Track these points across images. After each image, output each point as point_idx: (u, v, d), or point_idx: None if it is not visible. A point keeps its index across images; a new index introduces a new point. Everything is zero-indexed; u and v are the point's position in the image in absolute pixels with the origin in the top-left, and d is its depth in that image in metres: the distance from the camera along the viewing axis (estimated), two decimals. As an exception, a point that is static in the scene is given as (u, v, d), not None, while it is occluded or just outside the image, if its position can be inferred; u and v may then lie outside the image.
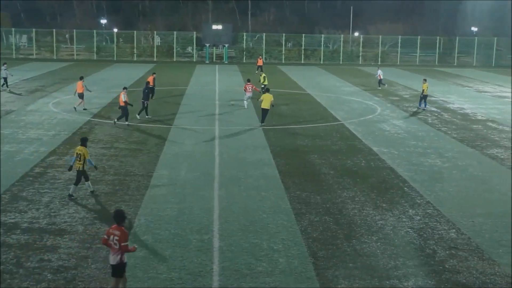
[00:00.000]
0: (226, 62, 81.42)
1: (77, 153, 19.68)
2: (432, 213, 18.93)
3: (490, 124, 35.56)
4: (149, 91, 35.43)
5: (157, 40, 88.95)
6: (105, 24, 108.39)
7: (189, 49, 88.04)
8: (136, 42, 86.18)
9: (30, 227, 16.83)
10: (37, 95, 43.83)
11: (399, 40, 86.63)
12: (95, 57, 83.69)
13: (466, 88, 55.91)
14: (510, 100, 47.11)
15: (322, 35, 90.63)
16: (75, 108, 36.50)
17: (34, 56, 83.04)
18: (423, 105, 40.97)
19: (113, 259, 12.33)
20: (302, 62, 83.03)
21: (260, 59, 67.53)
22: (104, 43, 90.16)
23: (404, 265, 14.83)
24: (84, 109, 36.68)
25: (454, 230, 17.45)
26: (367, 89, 52.48)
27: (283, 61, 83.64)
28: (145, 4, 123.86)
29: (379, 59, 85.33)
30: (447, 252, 15.83)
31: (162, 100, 42.23)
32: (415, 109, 40.38)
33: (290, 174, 23.14)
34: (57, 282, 13.43)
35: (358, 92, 50.11)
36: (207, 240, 16.14)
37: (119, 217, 12.40)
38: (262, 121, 32.70)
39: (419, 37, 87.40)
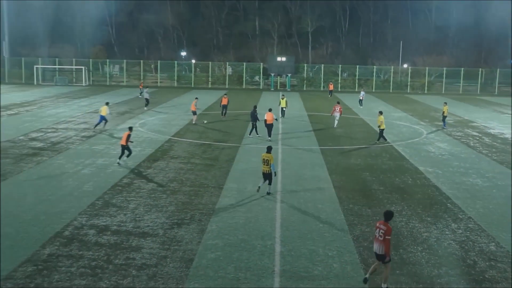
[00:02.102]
0: (289, 89, 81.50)
1: (264, 158, 21.15)
2: (473, 228, 18.43)
3: (527, 148, 34.40)
4: (256, 114, 36.18)
5: (229, 70, 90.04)
6: (184, 55, 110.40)
7: (257, 78, 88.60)
8: (210, 71, 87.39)
9: (119, 230, 17.23)
10: (126, 116, 44.92)
11: (444, 71, 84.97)
12: (175, 84, 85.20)
13: (506, 115, 54.22)
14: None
15: (374, 66, 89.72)
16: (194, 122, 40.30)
17: (124, 83, 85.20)
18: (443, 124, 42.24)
19: (377, 248, 13.38)
20: (356, 90, 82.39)
21: (331, 84, 70.71)
22: (183, 72, 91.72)
23: (446, 274, 14.47)
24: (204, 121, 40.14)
25: (493, 244, 16.94)
26: (414, 114, 51.60)
27: (339, 89, 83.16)
28: (219, 39, 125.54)
29: (426, 88, 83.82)
30: (487, 263, 15.37)
31: (233, 122, 42.61)
32: (444, 129, 40.36)
33: (344, 189, 22.95)
34: (140, 278, 13.69)
35: (405, 117, 49.32)
36: (269, 246, 16.16)
37: (389, 215, 13.48)
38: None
39: (462, 68, 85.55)
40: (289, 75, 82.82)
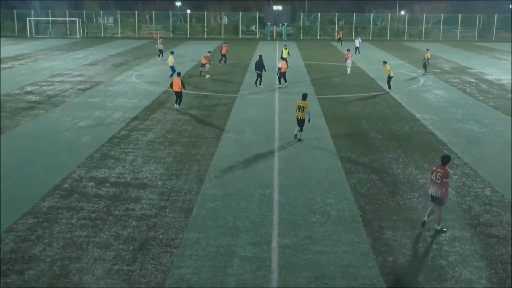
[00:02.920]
0: (286, 38, 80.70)
1: (298, 105, 21.65)
2: (469, 173, 18.52)
3: (524, 93, 34.32)
4: (263, 64, 35.87)
5: (224, 20, 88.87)
6: (179, 6, 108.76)
7: (253, 27, 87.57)
8: (206, 21, 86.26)
9: (117, 181, 17.28)
10: (122, 69, 44.56)
11: (442, 18, 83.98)
12: (171, 35, 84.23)
13: (503, 61, 53.88)
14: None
15: (371, 14, 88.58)
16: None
17: (119, 35, 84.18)
18: (426, 71, 42.01)
19: (434, 191, 13.71)
20: (353, 38, 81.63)
21: (341, 32, 71.99)
22: (178, 23, 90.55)
23: (442, 219, 14.59)
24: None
25: (489, 189, 17.06)
26: (411, 62, 51.26)
27: (336, 38, 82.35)
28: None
29: (423, 35, 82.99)
30: (482, 208, 15.51)
31: (229, 72, 42.32)
32: (424, 75, 40.98)
33: (342, 137, 22.96)
34: (140, 228, 13.81)
35: (403, 65, 49.00)
36: (268, 194, 16.26)
37: (446, 159, 13.87)
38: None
39: (460, 14, 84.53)
40: (286, 24, 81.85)
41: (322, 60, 51.04)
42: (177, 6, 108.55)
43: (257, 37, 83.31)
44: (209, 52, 43.30)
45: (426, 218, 14.05)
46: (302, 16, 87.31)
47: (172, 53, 38.47)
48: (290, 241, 13.20)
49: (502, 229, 14.03)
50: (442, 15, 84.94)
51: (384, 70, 34.26)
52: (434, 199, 13.82)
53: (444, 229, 13.86)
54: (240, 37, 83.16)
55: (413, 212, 15.09)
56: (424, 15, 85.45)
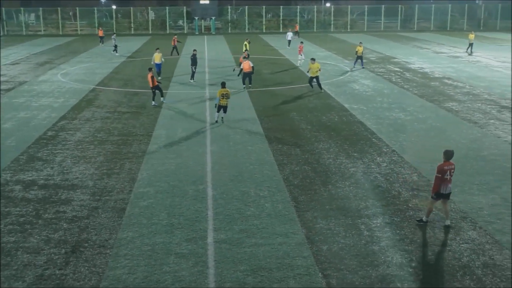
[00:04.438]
0: (214, 32, 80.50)
1: (222, 93, 23.45)
2: (397, 160, 19.08)
3: (446, 81, 35.59)
4: (196, 59, 35.15)
5: (151, 15, 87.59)
6: (104, 1, 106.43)
7: (180, 22, 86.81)
8: (133, 17, 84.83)
9: (46, 184, 16.79)
10: (46, 67, 43.21)
11: (366, 9, 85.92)
12: (96, 32, 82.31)
13: (425, 50, 55.71)
14: (463, 59, 47.16)
15: (298, 6, 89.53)
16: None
17: (42, 33, 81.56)
18: (358, 65, 41.26)
19: (447, 189, 13.50)
20: (281, 31, 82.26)
21: (297, 25, 72.25)
22: (104, 19, 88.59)
23: (373, 206, 15.00)
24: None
25: (416, 174, 17.62)
26: (338, 53, 52.20)
27: (264, 31, 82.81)
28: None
29: (348, 26, 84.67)
30: (410, 193, 16.01)
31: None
32: (354, 69, 40.38)
33: (273, 130, 23.15)
34: (72, 230, 13.47)
35: (330, 56, 49.85)
36: (201, 190, 16.20)
37: (452, 154, 13.58)
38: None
39: (383, 5, 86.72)
40: (213, 18, 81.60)
41: (251, 54, 51.19)
42: (101, 1, 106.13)
43: (185, 32, 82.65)
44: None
45: (426, 218, 13.88)
46: (229, 10, 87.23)
47: (157, 49, 36.75)
48: (226, 235, 13.21)
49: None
50: (366, 6, 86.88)
51: (312, 68, 31.66)
52: (445, 196, 13.60)
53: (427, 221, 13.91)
54: (168, 32, 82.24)
55: (345, 200, 15.40)
56: (349, 6, 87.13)
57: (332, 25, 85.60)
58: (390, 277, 11.34)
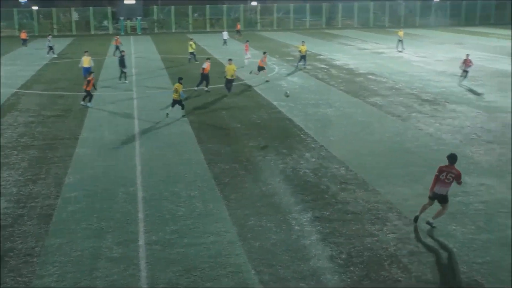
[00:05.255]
0: (140, 33, 79.37)
1: (175, 88, 24.84)
2: (325, 155, 19.43)
3: (370, 76, 36.54)
4: (124, 60, 34.21)
5: (75, 16, 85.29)
6: (24, 2, 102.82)
7: (105, 22, 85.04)
8: (55, 18, 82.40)
9: (-33, 192, 16.09)
10: (-36, 71, 41.32)
11: (292, 7, 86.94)
12: (17, 33, 79.45)
13: (349, 46, 56.94)
14: (386, 55, 48.54)
15: (224, 5, 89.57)
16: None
17: (-41, 35, 77.89)
18: (302, 63, 40.85)
19: (441, 190, 13.36)
20: (208, 30, 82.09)
21: (238, 24, 72.92)
22: (25, 20, 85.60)
23: (303, 201, 15.22)
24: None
25: (344, 168, 18.00)
26: (265, 51, 52.43)
27: (191, 30, 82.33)
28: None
29: (275, 25, 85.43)
30: (338, 186, 16.34)
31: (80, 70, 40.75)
32: (299, 67, 40.56)
33: (203, 129, 23.08)
34: (-4, 240, 12.98)
35: (258, 55, 50.01)
36: (132, 192, 15.96)
37: (455, 159, 13.47)
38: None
39: (308, 4, 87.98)
40: (139, 18, 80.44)
41: (178, 53, 50.83)
42: (21, 2, 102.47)
43: (111, 33, 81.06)
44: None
45: (419, 213, 13.84)
46: (155, 10, 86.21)
47: (86, 52, 35.23)
48: (157, 237, 13.07)
49: (357, 205, 14.89)
50: (292, 4, 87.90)
51: (228, 70, 30.78)
52: (437, 197, 13.53)
53: (434, 225, 13.64)
54: (92, 32, 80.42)
55: (276, 197, 15.55)
56: (275, 5, 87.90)
57: (259, 23, 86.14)
58: (321, 269, 11.55)
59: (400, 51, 50.82)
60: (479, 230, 13.32)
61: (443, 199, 13.50)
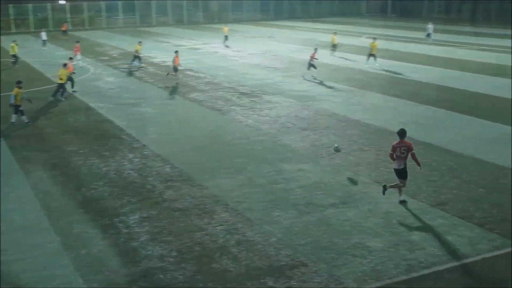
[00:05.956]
0: None
1: (15, 93, 23.33)
2: (148, 154, 19.28)
3: (188, 72, 36.90)
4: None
5: None
6: None
7: None
8: None
9: None
10: None
11: (104, 6, 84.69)
12: None
13: (166, 43, 56.89)
14: (202, 51, 49.37)
15: (30, 5, 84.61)
16: None
17: None
18: (136, 62, 40.12)
19: (398, 165, 14.38)
20: (14, 31, 77.05)
21: (65, 24, 69.57)
22: None
23: (129, 202, 14.98)
24: None
25: (168, 166, 18.02)
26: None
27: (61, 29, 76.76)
28: None
29: (87, 23, 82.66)
30: (164, 185, 16.33)
31: None
32: (128, 67, 39.71)
33: (16, 137, 21.67)
34: None
35: (71, 55, 48.05)
36: None
37: (404, 133, 14.40)
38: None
39: (120, 1, 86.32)
40: None
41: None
42: None
43: None
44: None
45: (400, 196, 14.68)
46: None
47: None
48: (-28, 258, 12.05)
49: (184, 202, 15.00)
50: (103, 2, 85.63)
51: (60, 74, 28.78)
52: (397, 172, 14.51)
53: (405, 200, 14.71)
54: None
55: (101, 201, 15.12)
56: (86, 3, 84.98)
57: (69, 23, 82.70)
58: (153, 270, 11.47)
59: (227, 46, 51.97)
60: (300, 214, 14.13)
61: (402, 174, 14.51)
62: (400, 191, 14.79)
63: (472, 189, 15.49)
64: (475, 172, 17.00)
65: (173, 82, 33.03)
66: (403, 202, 14.70)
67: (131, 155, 19.16)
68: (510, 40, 53.87)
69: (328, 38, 50.41)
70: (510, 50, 46.00)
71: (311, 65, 33.61)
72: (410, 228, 13.23)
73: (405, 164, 14.49)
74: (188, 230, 13.27)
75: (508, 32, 61.77)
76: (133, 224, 13.66)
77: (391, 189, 14.85)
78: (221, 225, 13.55)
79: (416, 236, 12.78)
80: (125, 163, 18.30)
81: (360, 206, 14.55)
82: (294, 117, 24.17)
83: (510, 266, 11.38)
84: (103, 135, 21.83)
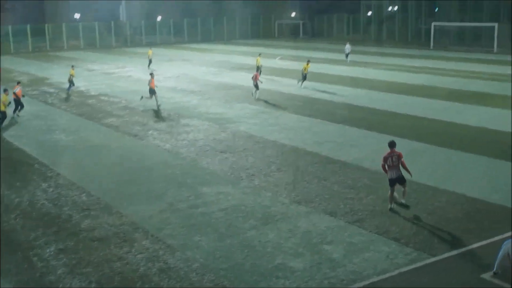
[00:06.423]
0: None
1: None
2: (63, 183, 18.67)
3: (102, 97, 36.18)
4: None
5: None
6: None
7: None
8: None
9: None
10: None
11: (9, 29, 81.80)
12: None
13: (78, 68, 55.35)
14: (116, 75, 48.59)
15: None
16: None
17: None
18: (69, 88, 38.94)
19: (394, 174, 15.29)
20: None
21: None
22: None
23: (44, 234, 14.40)
24: None
25: (85, 194, 17.51)
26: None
27: None
28: None
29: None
30: (81, 214, 15.83)
31: None
32: (67, 93, 38.48)
33: None
34: None
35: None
36: None
37: (393, 143, 15.46)
38: None
39: (28, 25, 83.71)
40: None
41: None
42: None
43: None
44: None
45: (390, 205, 15.60)
46: None
47: None
48: None
49: (102, 231, 14.59)
50: (10, 26, 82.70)
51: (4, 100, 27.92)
52: (396, 180, 15.37)
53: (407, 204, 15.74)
54: None
55: (13, 234, 14.45)
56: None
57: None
58: (71, 304, 11.04)
59: (154, 70, 51.04)
60: (221, 237, 14.07)
61: (401, 180, 15.47)
62: (391, 200, 15.70)
63: (387, 205, 16.00)
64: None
65: (88, 108, 32.28)
66: (405, 206, 15.75)
67: (45, 185, 18.48)
68: (414, 59, 56.56)
69: (241, 60, 50.92)
70: (414, 68, 48.25)
71: (255, 86, 34.07)
72: (330, 246, 13.47)
73: (400, 171, 15.40)
74: (107, 260, 12.89)
75: (413, 52, 64.86)
76: (49, 257, 13.13)
77: (394, 204, 15.81)
78: (141, 253, 13.27)
79: (336, 254, 13.02)
80: (38, 193, 17.62)
81: (280, 227, 14.68)
82: (212, 140, 24.17)
83: (427, 278, 11.81)
84: (14, 165, 20.95)
